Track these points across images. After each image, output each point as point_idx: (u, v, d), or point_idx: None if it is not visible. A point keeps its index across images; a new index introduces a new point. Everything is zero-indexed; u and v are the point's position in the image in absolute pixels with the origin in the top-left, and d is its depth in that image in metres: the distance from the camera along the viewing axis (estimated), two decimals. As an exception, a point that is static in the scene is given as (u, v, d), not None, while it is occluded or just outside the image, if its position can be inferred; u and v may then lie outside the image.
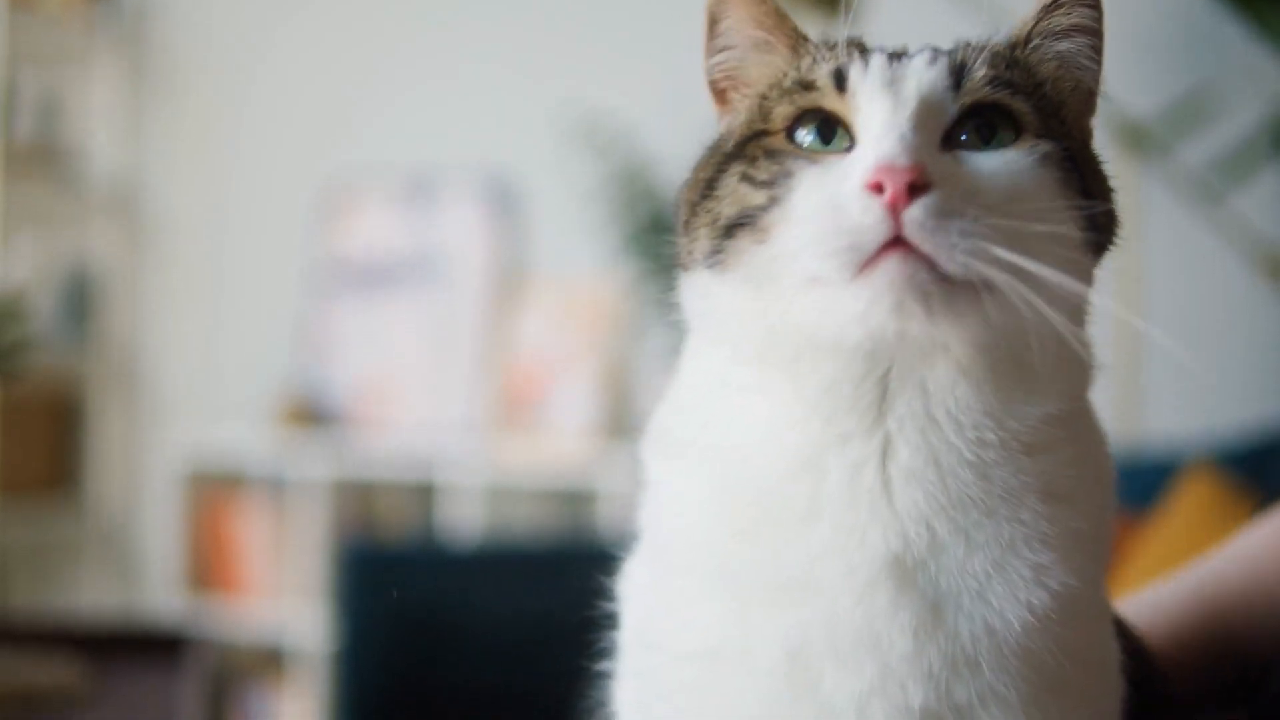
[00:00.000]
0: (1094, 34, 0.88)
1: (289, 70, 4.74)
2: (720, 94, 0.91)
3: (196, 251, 4.89)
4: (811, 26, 0.92)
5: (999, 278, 0.76)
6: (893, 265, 0.76)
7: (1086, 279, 0.82)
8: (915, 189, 0.76)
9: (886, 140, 0.79)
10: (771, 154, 0.84)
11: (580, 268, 4.06)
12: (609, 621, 0.92)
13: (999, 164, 0.81)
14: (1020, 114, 0.84)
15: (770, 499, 0.82)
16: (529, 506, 4.01)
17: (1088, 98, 0.89)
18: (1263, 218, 3.09)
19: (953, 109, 0.82)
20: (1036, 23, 0.88)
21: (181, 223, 4.93)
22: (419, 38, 4.45)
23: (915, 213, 0.76)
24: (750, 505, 0.83)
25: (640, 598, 0.90)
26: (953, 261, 0.76)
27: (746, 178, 0.83)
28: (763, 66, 0.89)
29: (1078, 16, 0.87)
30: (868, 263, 0.77)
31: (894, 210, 0.76)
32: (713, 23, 0.90)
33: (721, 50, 0.91)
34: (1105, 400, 0.86)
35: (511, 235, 4.30)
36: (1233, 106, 3.00)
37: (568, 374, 4.07)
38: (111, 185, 4.95)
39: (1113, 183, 0.88)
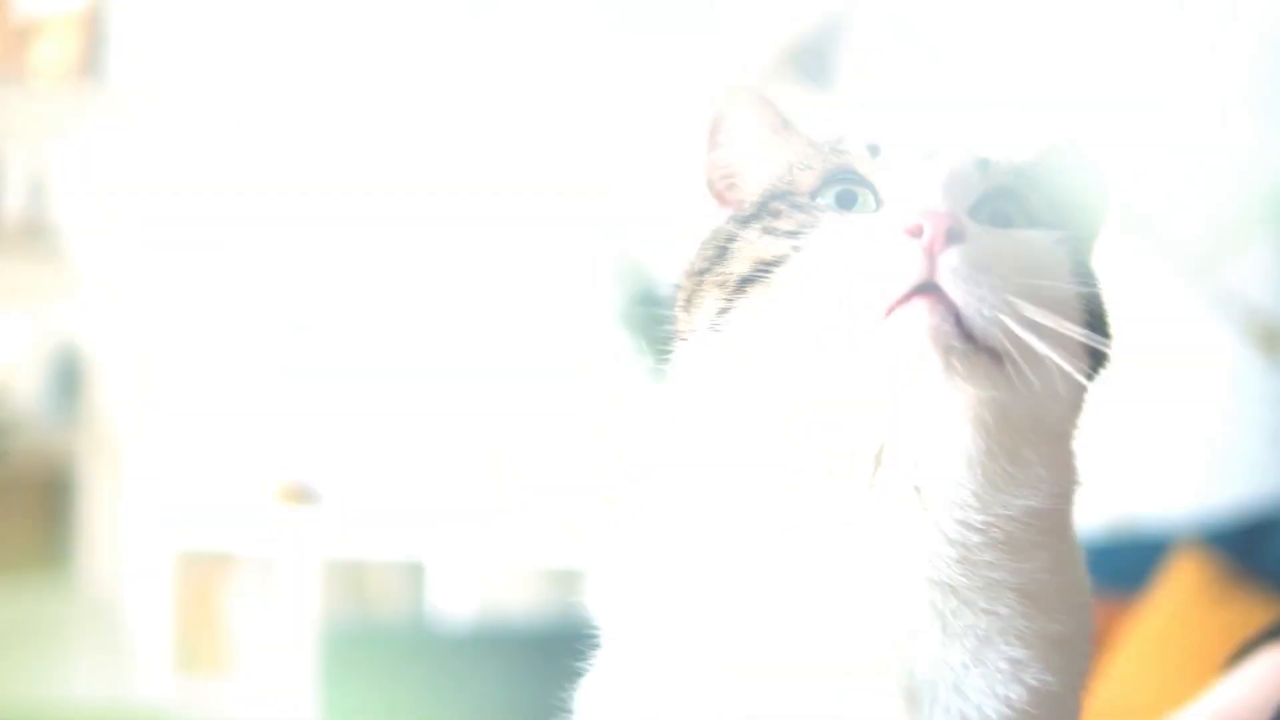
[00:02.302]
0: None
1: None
2: (719, 193, 0.91)
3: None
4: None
5: (1017, 347, 0.75)
6: (921, 310, 0.75)
7: (1081, 386, 0.81)
8: (953, 236, 0.76)
9: (925, 191, 0.80)
10: (797, 207, 0.83)
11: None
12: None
13: (1021, 240, 0.81)
14: (1036, 207, 0.84)
15: (755, 580, 0.80)
16: (521, 586, 3.98)
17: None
18: (1255, 287, 3.09)
19: (979, 186, 0.82)
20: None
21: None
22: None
23: (951, 259, 0.75)
24: (734, 587, 0.81)
25: (611, 698, 0.86)
26: (980, 316, 0.75)
27: (768, 230, 0.82)
28: (769, 163, 0.89)
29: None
30: (895, 307, 0.75)
31: (930, 254, 0.75)
32: (714, 126, 0.91)
33: (722, 149, 0.91)
34: (1093, 477, 0.84)
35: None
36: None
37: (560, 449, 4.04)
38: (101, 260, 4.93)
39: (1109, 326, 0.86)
